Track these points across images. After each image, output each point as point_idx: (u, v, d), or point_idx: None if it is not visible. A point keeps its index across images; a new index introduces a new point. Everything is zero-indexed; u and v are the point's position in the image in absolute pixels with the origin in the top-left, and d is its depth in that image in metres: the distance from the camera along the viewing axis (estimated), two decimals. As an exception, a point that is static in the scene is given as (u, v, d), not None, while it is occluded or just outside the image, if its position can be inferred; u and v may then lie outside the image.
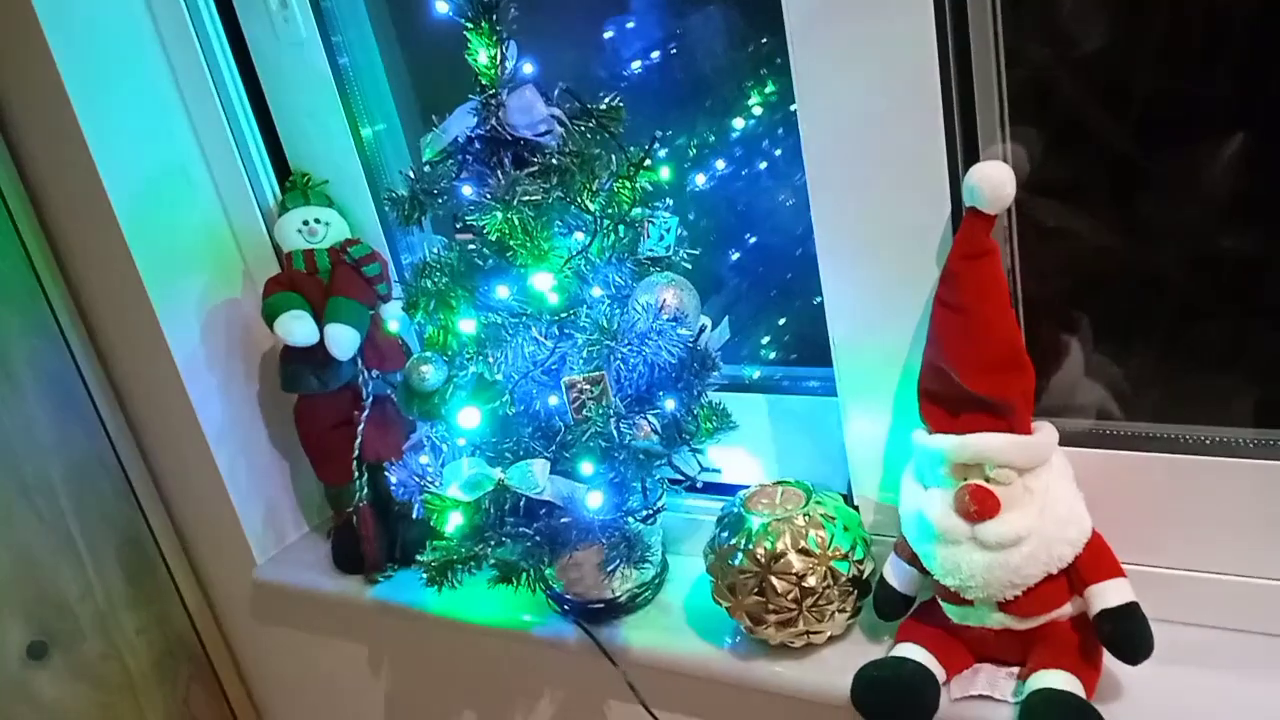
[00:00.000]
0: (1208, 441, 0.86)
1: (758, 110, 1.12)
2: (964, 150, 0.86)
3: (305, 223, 1.26)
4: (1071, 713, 0.78)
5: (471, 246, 0.97)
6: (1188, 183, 0.85)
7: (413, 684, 1.39)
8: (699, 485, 1.05)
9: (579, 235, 0.95)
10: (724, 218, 1.17)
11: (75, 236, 1.31)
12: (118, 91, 1.24)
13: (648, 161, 0.97)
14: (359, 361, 1.24)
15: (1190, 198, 0.85)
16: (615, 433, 0.91)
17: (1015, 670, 0.87)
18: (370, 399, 1.24)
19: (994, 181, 0.79)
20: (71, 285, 1.35)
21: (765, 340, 1.19)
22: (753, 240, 1.17)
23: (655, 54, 1.15)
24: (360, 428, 1.24)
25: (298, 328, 1.21)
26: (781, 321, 1.18)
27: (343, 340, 1.21)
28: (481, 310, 0.96)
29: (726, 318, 1.04)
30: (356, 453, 1.25)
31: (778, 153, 1.12)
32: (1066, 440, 0.87)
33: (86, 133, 1.20)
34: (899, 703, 0.85)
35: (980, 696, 0.86)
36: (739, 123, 1.13)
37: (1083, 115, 0.88)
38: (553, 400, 0.95)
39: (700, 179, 1.14)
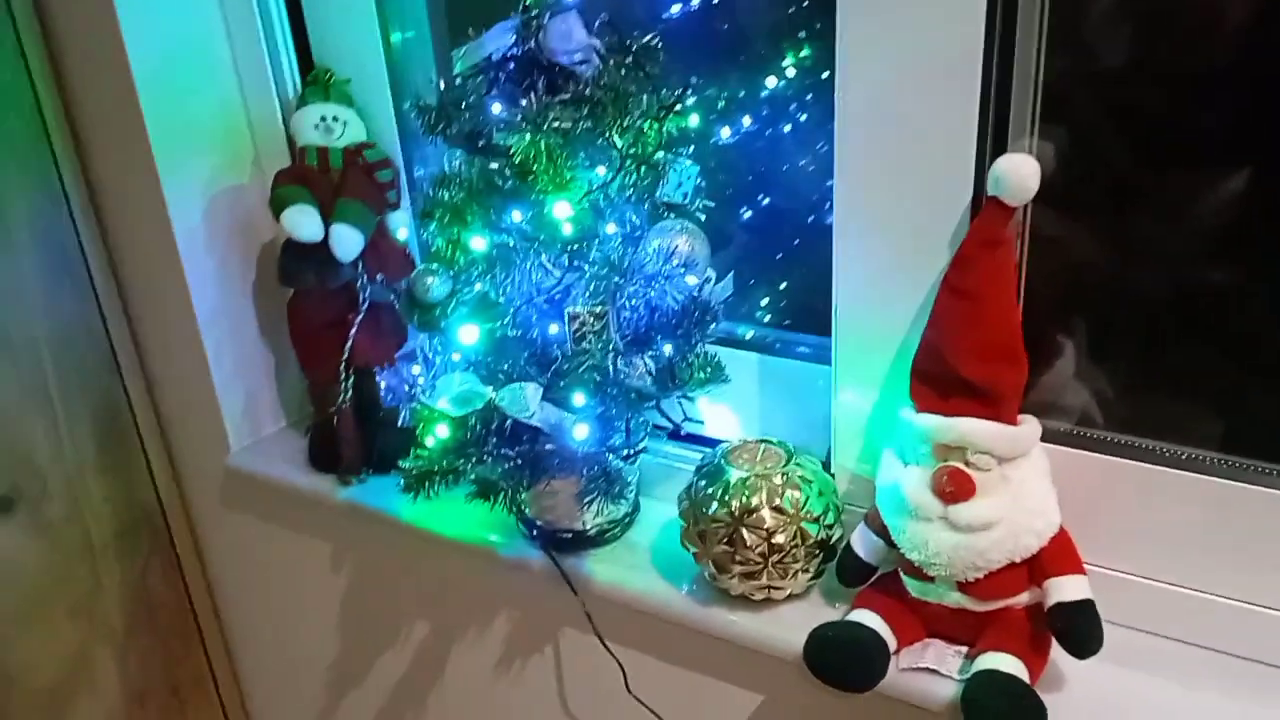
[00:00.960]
0: (1183, 457, 0.88)
1: (790, 72, 1.12)
2: (993, 139, 0.87)
3: (323, 119, 1.25)
4: (1012, 695, 0.81)
5: (494, 165, 0.97)
6: (1210, 207, 0.86)
7: (371, 588, 1.41)
8: (681, 433, 1.07)
9: (601, 170, 0.96)
10: (743, 175, 1.17)
11: (90, 100, 1.30)
12: (150, -42, 1.22)
13: (678, 106, 0.97)
14: (359, 265, 1.24)
15: (1210, 221, 0.86)
16: (611, 368, 0.92)
17: (964, 649, 0.90)
18: (366, 304, 1.25)
19: (1020, 174, 0.80)
20: (81, 149, 1.33)
21: (764, 301, 1.20)
22: (767, 201, 1.18)
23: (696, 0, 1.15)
24: (353, 331, 1.25)
25: (304, 222, 1.20)
26: (784, 285, 1.19)
27: (347, 241, 1.20)
28: (494, 230, 0.97)
29: (731, 273, 1.05)
30: (346, 354, 1.25)
31: (804, 117, 1.12)
32: (1048, 437, 0.89)
33: (115, -4, 1.19)
34: (848, 664, 0.88)
35: (928, 669, 0.89)
36: (771, 81, 1.13)
37: (1115, 124, 0.89)
38: (553, 329, 0.96)
39: (725, 132, 1.14)
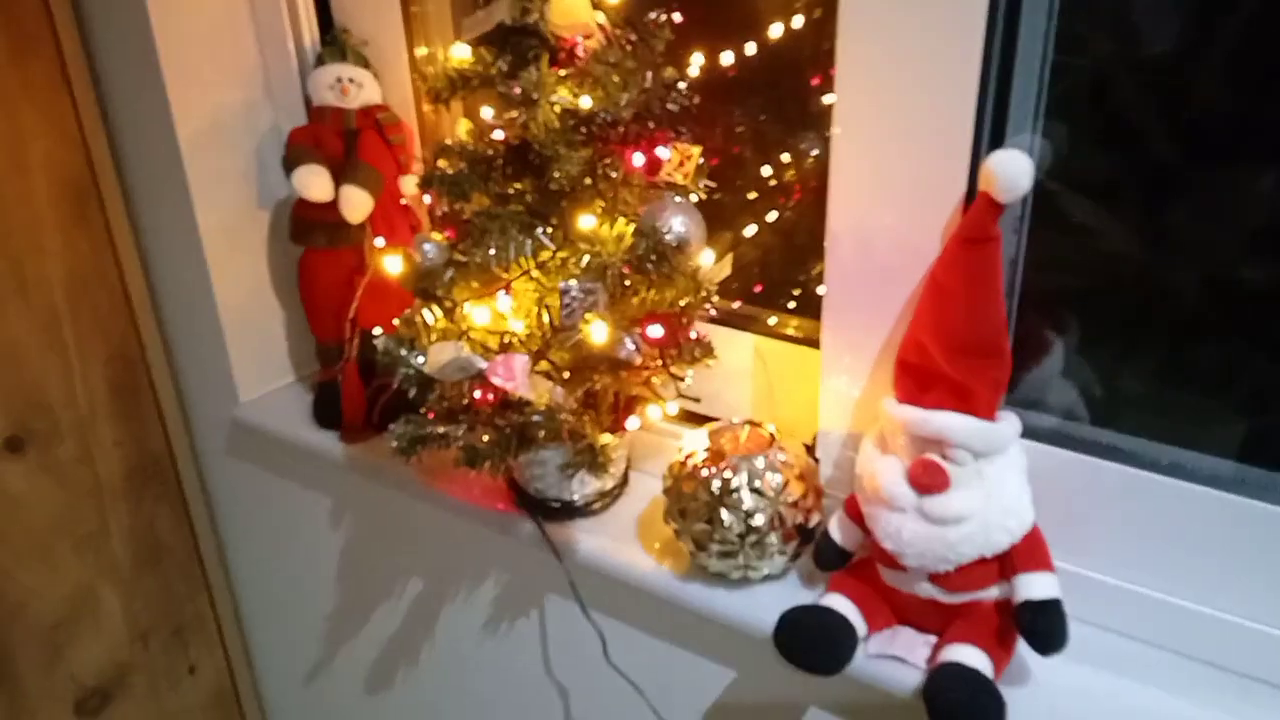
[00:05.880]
0: (1164, 462, 0.88)
1: (805, 55, 1.11)
2: (991, 134, 0.87)
3: (339, 79, 1.26)
4: (973, 687, 0.82)
5: (497, 136, 0.98)
6: (1213, 204, 0.86)
7: (368, 542, 1.44)
8: (673, 410, 1.08)
9: (600, 145, 0.96)
10: (751, 157, 1.17)
11: (109, 47, 1.31)
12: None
13: (681, 84, 0.97)
14: (368, 227, 1.26)
15: (1212, 220, 0.86)
16: (600, 343, 0.93)
17: (933, 639, 0.91)
18: (373, 266, 1.26)
19: (1011, 172, 0.79)
20: (100, 96, 1.35)
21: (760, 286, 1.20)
22: (773, 184, 1.18)
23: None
24: (359, 292, 1.26)
25: (314, 182, 1.22)
26: (783, 270, 1.19)
27: (356, 203, 1.22)
28: (492, 200, 0.98)
29: (730, 254, 1.05)
30: (351, 314, 1.27)
31: (821, 100, 1.12)
32: (1029, 434, 0.89)
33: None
34: (816, 647, 0.89)
35: (895, 657, 0.90)
36: (783, 62, 1.12)
37: (1121, 121, 0.89)
38: (546, 302, 0.97)
39: (735, 113, 1.14)
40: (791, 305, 1.15)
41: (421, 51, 1.30)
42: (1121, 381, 0.94)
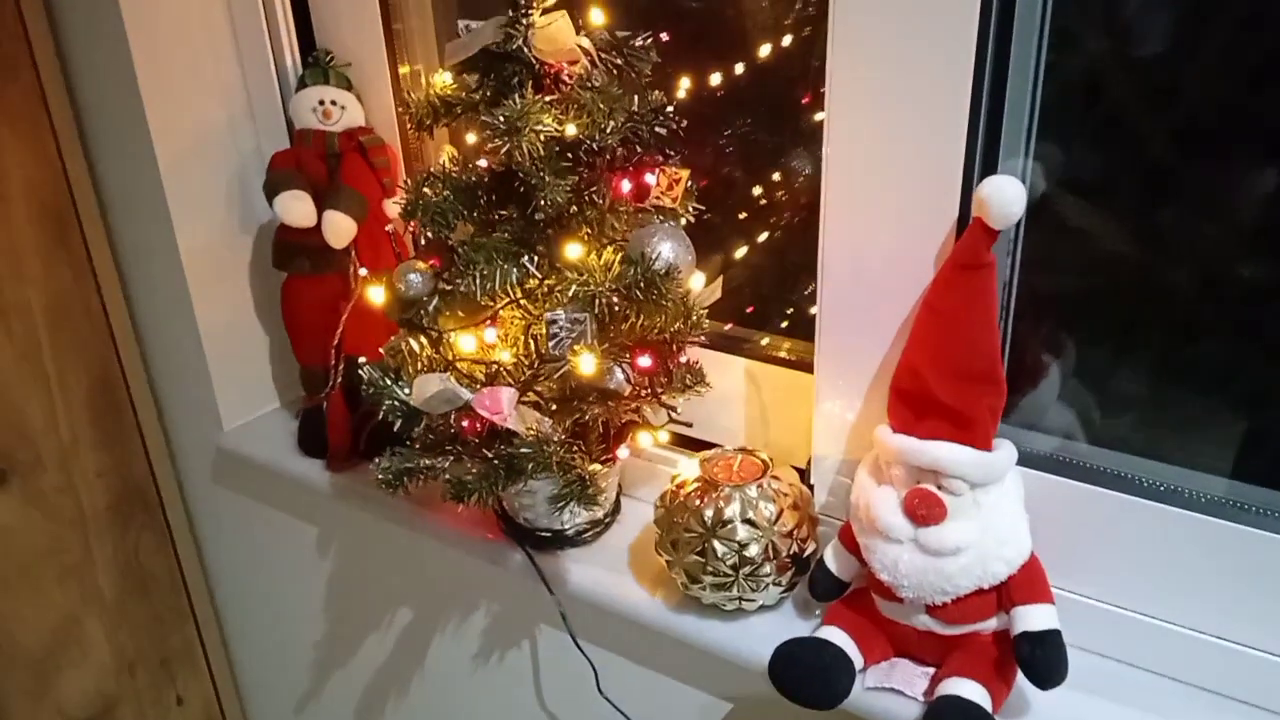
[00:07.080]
0: (1161, 487, 0.87)
1: (796, 74, 1.10)
2: (983, 159, 0.85)
3: (321, 102, 1.24)
4: (972, 721, 0.80)
5: (482, 163, 0.97)
6: (1204, 221, 0.84)
7: (356, 572, 1.41)
8: (665, 437, 1.06)
9: (585, 171, 0.94)
10: (741, 179, 1.15)
11: (89, 72, 1.29)
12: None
13: (669, 108, 0.96)
14: (352, 252, 1.24)
15: (1203, 237, 0.85)
16: (587, 374, 0.91)
17: (931, 671, 0.89)
18: (358, 292, 1.24)
19: (1004, 198, 0.78)
20: (79, 121, 1.33)
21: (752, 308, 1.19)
22: (763, 203, 1.16)
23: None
24: (344, 318, 1.24)
25: (296, 208, 1.20)
26: (775, 291, 1.18)
27: (340, 228, 1.20)
28: (477, 229, 0.96)
29: (720, 278, 1.03)
30: (336, 341, 1.25)
31: (812, 119, 1.10)
32: (1025, 461, 0.88)
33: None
34: (812, 682, 0.87)
35: (892, 690, 0.88)
36: (773, 81, 1.11)
37: (1114, 145, 0.88)
38: (534, 331, 0.95)
39: (724, 134, 1.12)
40: (784, 325, 1.14)
41: (405, 71, 1.29)
42: (1117, 404, 0.93)
